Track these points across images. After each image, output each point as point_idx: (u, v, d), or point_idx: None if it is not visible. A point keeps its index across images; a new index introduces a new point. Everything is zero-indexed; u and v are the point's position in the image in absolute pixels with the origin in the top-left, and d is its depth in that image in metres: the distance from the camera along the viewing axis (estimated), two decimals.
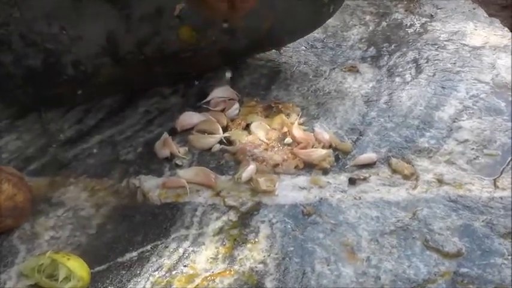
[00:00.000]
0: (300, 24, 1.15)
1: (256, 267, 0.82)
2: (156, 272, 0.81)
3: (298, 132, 1.04)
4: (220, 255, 0.84)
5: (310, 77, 1.23)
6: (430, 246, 0.85)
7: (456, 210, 0.91)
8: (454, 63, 1.27)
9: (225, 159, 1.01)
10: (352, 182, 0.96)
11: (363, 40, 1.37)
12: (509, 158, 1.01)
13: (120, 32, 0.98)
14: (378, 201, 0.93)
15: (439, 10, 1.47)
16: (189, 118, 1.08)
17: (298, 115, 1.09)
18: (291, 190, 0.95)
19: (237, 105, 1.11)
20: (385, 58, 1.30)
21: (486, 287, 0.80)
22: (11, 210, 0.86)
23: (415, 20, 1.44)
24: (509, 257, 0.83)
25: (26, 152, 1.03)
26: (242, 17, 1.00)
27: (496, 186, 0.95)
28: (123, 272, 0.82)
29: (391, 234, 0.87)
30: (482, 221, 0.89)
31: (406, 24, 1.43)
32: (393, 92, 1.18)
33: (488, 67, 1.25)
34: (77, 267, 0.78)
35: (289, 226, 0.88)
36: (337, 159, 1.01)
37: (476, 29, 1.40)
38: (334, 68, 1.26)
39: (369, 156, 1.01)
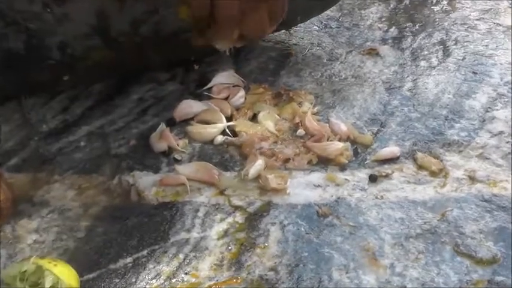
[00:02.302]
0: (315, 1, 1.15)
1: (266, 274, 0.82)
2: (154, 280, 0.82)
3: (311, 123, 1.04)
4: (225, 262, 0.84)
5: (324, 60, 1.23)
6: (461, 251, 0.85)
7: (490, 211, 0.91)
8: (486, 46, 1.27)
9: (229, 154, 1.01)
10: (372, 179, 0.96)
11: (383, 19, 1.37)
12: None
13: (113, 10, 0.97)
14: (402, 201, 0.93)
15: None
16: (189, 107, 1.08)
17: (311, 104, 1.10)
18: (304, 188, 0.95)
19: (242, 93, 1.11)
20: (409, 39, 1.30)
21: None
22: None
23: None
24: None
25: (4, 145, 1.03)
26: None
27: None
28: (117, 280, 0.82)
29: (417, 238, 0.87)
30: None
31: (432, 1, 1.43)
32: (418, 78, 1.18)
33: None
34: (65, 274, 0.78)
35: (302, 229, 0.89)
36: (355, 153, 1.01)
37: (511, 7, 1.40)
38: (351, 51, 1.26)
39: (391, 150, 1.01)
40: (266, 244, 0.86)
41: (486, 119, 1.07)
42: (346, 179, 0.96)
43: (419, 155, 1.00)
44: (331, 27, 1.33)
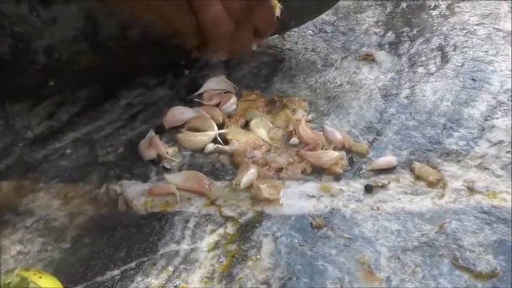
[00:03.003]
0: (311, 4, 1.16)
1: None
2: None
3: (305, 131, 1.04)
4: (216, 274, 0.84)
5: (319, 66, 1.23)
6: (459, 265, 0.85)
7: (490, 223, 0.91)
8: (486, 52, 1.27)
9: (220, 162, 1.01)
10: (368, 189, 0.96)
11: (379, 23, 1.38)
12: None
13: (101, 13, 0.98)
14: (399, 213, 0.93)
15: None
16: (179, 113, 1.08)
17: (305, 111, 1.10)
18: (297, 199, 0.95)
19: (234, 99, 1.11)
20: (406, 45, 1.30)
21: None
22: None
23: (440, 1, 1.45)
24: None
25: None
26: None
27: None
28: None
29: (414, 250, 0.87)
30: None
31: (430, 6, 1.43)
32: (415, 85, 1.18)
33: None
34: (51, 286, 0.78)
35: (296, 241, 0.89)
36: (351, 162, 1.01)
37: (511, 11, 1.40)
38: (346, 56, 1.27)
39: (387, 159, 1.01)
40: (258, 256, 0.86)
41: (486, 128, 1.08)
42: (341, 189, 0.97)
43: (416, 164, 1.00)
44: (326, 32, 1.34)
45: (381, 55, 1.26)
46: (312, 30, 1.33)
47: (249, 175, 0.96)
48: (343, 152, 1.02)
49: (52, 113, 1.10)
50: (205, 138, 1.04)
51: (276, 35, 1.27)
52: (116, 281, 0.83)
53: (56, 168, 1.00)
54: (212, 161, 1.01)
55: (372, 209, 0.93)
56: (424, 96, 1.15)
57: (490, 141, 1.05)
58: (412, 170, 1.00)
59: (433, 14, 1.40)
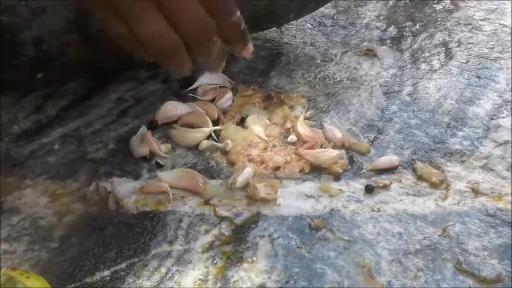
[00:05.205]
0: None
1: None
2: None
3: (303, 128, 1.05)
4: (210, 277, 0.84)
5: (318, 61, 1.24)
6: (463, 269, 0.86)
7: (495, 226, 0.92)
8: (492, 48, 1.28)
9: (215, 160, 1.01)
10: (369, 190, 0.97)
11: (381, 17, 1.38)
12: None
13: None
14: (401, 214, 0.93)
15: None
16: (172, 109, 1.08)
17: (303, 108, 1.10)
18: (295, 199, 0.95)
19: (230, 95, 1.11)
20: (408, 40, 1.30)
21: None
22: None
23: None
24: None
25: None
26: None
27: None
28: None
29: (416, 254, 0.88)
30: None
31: None
32: (418, 82, 1.18)
33: None
34: (39, 287, 0.78)
35: (293, 242, 0.89)
36: (351, 162, 1.02)
37: None
38: (346, 51, 1.27)
39: (389, 159, 1.01)
40: (254, 258, 0.86)
41: (491, 127, 1.08)
42: (340, 190, 0.97)
43: (419, 164, 1.00)
44: (325, 26, 1.34)
45: (383, 50, 1.27)
46: (311, 24, 1.34)
47: (245, 174, 0.96)
48: (343, 151, 1.02)
49: (39, 107, 1.10)
50: (199, 134, 1.04)
51: (274, 28, 1.27)
52: (106, 282, 0.83)
53: (43, 165, 1.00)
54: (206, 159, 1.02)
55: (373, 210, 0.94)
56: (427, 93, 1.15)
57: (495, 141, 1.05)
58: (414, 170, 1.00)
59: (437, 8, 1.41)
